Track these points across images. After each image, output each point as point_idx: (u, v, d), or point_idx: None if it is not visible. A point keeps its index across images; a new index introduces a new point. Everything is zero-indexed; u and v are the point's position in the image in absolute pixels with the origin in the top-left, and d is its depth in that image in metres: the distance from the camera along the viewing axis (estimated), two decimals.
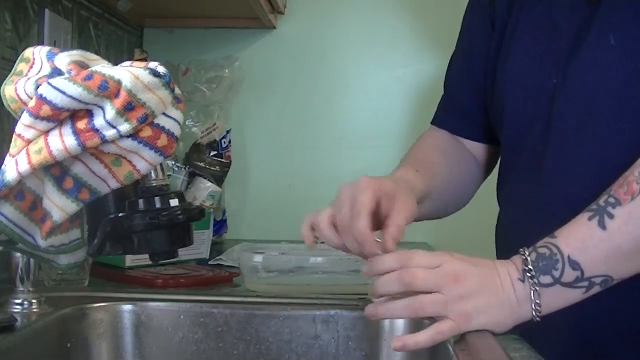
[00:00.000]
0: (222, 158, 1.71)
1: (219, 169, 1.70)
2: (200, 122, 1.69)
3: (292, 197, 1.86)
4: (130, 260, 1.24)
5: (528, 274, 0.78)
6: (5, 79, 0.77)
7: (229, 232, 1.78)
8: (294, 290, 1.09)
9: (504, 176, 1.05)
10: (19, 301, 0.89)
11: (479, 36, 1.07)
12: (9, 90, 0.75)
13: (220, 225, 1.71)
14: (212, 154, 1.69)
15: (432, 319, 0.96)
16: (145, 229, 0.76)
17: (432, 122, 1.15)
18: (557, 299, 0.79)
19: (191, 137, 1.68)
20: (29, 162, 0.71)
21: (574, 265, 0.77)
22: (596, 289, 0.79)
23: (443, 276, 0.80)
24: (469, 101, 1.09)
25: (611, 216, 0.77)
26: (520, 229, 0.97)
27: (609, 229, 0.77)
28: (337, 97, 1.88)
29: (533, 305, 0.78)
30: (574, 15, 0.90)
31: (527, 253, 0.79)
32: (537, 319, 0.79)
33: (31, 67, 0.77)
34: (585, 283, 0.78)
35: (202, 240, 1.39)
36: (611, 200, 0.78)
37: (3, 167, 0.73)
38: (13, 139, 0.73)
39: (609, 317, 0.91)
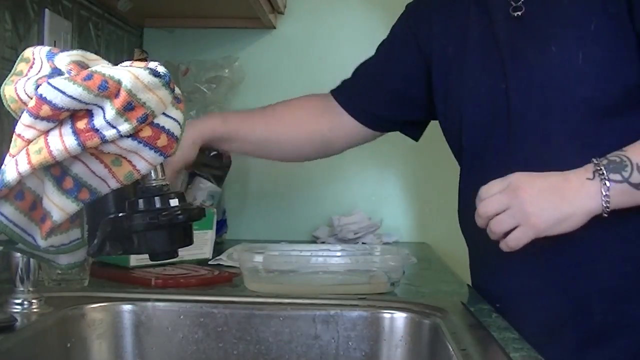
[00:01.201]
0: (222, 158, 1.71)
1: (219, 169, 1.69)
2: None
3: (292, 197, 1.86)
4: (135, 260, 1.24)
5: (599, 172, 0.92)
6: (5, 79, 0.77)
7: (229, 232, 1.78)
8: (294, 290, 1.09)
9: (467, 182, 1.16)
10: (19, 301, 0.89)
11: (400, 55, 1.30)
12: (9, 90, 0.75)
13: (220, 225, 1.71)
14: (212, 154, 1.69)
15: (431, 318, 0.96)
16: (145, 229, 0.76)
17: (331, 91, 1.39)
18: (625, 195, 0.92)
19: None
20: (29, 162, 0.71)
21: None
22: None
23: (508, 194, 0.94)
24: (368, 93, 1.33)
25: None
26: None
27: None
28: None
29: (603, 198, 0.91)
30: (510, 30, 1.06)
31: (598, 161, 0.93)
32: (606, 213, 0.92)
33: (31, 67, 0.77)
34: None
35: (204, 241, 1.39)
36: None
37: (3, 167, 0.73)
38: (13, 139, 0.73)
39: (593, 278, 1.02)
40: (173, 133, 0.73)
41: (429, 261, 1.54)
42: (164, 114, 0.73)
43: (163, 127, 0.73)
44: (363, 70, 1.37)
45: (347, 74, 1.88)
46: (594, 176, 0.92)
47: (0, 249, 0.81)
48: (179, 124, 0.74)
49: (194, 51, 1.84)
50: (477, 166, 1.14)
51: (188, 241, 0.79)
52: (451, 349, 0.82)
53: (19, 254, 0.87)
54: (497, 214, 0.95)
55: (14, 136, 0.73)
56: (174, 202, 0.77)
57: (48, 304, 0.91)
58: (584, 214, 0.93)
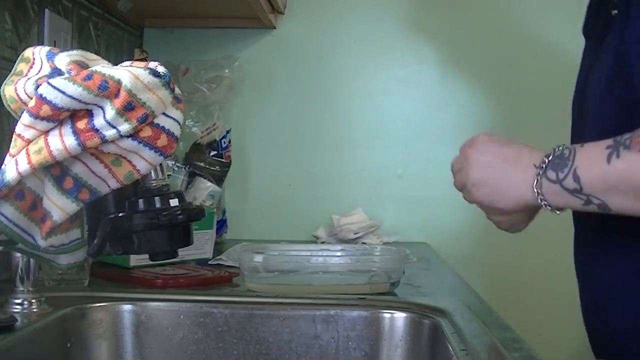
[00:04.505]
0: (222, 158, 1.71)
1: (219, 169, 1.69)
2: (200, 122, 1.69)
3: (292, 197, 1.86)
4: (134, 260, 1.24)
5: (542, 164, 0.84)
6: (5, 79, 0.77)
7: (229, 232, 1.78)
8: (294, 290, 1.09)
9: None
10: (19, 301, 0.89)
11: None
12: (9, 90, 0.75)
13: (220, 225, 1.71)
14: (212, 154, 1.69)
15: (431, 318, 0.96)
16: (145, 229, 0.76)
17: None
18: (558, 197, 0.83)
19: (191, 137, 1.68)
20: (29, 162, 0.71)
21: (576, 178, 0.81)
22: (594, 208, 0.82)
23: (464, 153, 0.92)
24: None
25: (618, 155, 0.79)
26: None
27: (612, 166, 0.79)
28: (336, 97, 1.88)
29: (535, 190, 0.84)
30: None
31: (559, 147, 0.84)
32: (547, 206, 0.84)
33: (31, 67, 0.77)
34: (584, 197, 0.82)
35: (205, 240, 1.39)
36: (627, 141, 0.79)
37: (3, 167, 0.73)
38: (13, 139, 0.73)
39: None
40: (173, 133, 0.74)
41: (429, 261, 1.54)
42: (164, 114, 0.73)
43: (163, 127, 0.73)
44: None
45: (347, 73, 1.89)
46: (539, 165, 0.85)
47: (0, 249, 0.81)
48: (179, 124, 0.75)
49: (194, 51, 1.84)
50: None
51: (188, 241, 0.80)
52: (451, 349, 0.82)
53: (19, 254, 0.87)
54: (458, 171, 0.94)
55: (14, 136, 0.73)
56: (174, 202, 0.77)
57: (48, 304, 0.91)
58: (518, 199, 0.87)
